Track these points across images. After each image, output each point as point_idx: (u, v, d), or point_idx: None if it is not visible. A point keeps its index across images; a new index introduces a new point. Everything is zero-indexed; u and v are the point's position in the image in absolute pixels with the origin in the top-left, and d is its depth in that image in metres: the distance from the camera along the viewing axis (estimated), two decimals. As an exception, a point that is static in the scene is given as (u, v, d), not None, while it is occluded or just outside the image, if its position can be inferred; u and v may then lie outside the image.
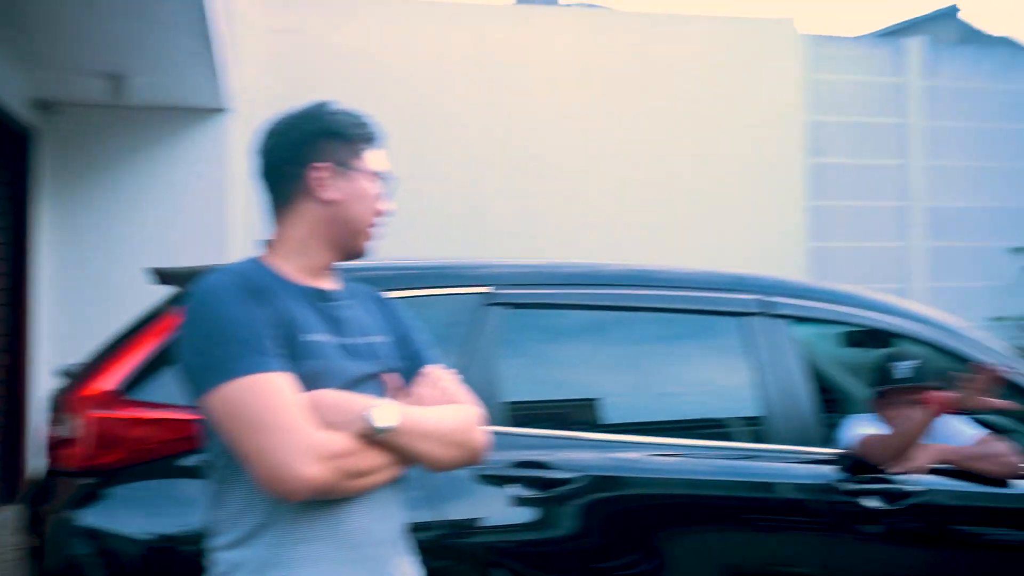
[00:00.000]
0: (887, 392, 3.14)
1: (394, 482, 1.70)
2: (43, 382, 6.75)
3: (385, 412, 1.60)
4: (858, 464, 2.90)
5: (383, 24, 8.16)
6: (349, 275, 1.88)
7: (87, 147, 7.04)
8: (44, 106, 6.93)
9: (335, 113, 1.78)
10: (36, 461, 2.81)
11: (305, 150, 1.74)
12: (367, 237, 1.78)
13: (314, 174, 1.73)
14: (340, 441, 1.56)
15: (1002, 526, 3.01)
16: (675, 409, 3.13)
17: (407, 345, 1.84)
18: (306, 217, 1.74)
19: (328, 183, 1.73)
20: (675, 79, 8.63)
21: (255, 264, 1.72)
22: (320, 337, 1.66)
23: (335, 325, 1.71)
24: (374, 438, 1.60)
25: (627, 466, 2.74)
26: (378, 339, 1.78)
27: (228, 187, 7.33)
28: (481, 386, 2.64)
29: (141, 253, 6.96)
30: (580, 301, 2.93)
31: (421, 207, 7.58)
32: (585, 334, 3.03)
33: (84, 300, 6.93)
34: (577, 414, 3.00)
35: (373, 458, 1.61)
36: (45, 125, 6.95)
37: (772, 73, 8.90)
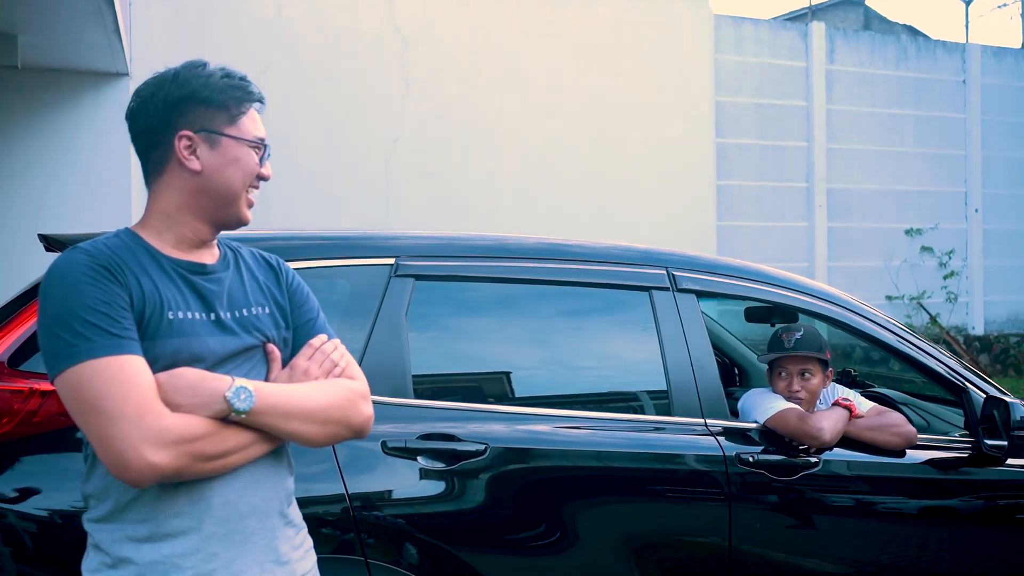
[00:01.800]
0: (779, 361, 3.23)
1: (271, 455, 1.67)
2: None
3: (243, 392, 1.56)
4: (768, 436, 2.96)
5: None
6: (239, 243, 1.82)
7: (-24, 109, 6.74)
8: (-74, 65, 6.60)
9: (205, 75, 1.69)
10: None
11: (171, 116, 1.66)
12: (243, 205, 1.71)
13: (179, 142, 1.66)
14: (191, 424, 1.53)
15: (898, 495, 3.11)
16: (583, 382, 3.15)
17: (296, 315, 1.79)
18: (175, 187, 1.68)
19: (195, 152, 1.66)
20: (587, 55, 8.67)
21: (125, 237, 1.66)
22: (187, 314, 1.62)
23: (208, 299, 1.66)
24: (232, 419, 1.57)
25: (535, 438, 2.74)
26: (259, 310, 1.73)
27: (132, 153, 7.09)
28: (388, 358, 2.62)
29: (35, 220, 6.70)
30: (488, 273, 2.91)
31: (298, 176, 7.46)
32: (493, 307, 3.02)
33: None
34: (485, 387, 2.99)
35: (232, 439, 1.58)
36: (-73, 85, 6.63)
37: (684, 52, 9.00)
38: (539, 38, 8.55)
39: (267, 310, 1.75)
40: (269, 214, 6.12)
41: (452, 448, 2.59)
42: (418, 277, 2.75)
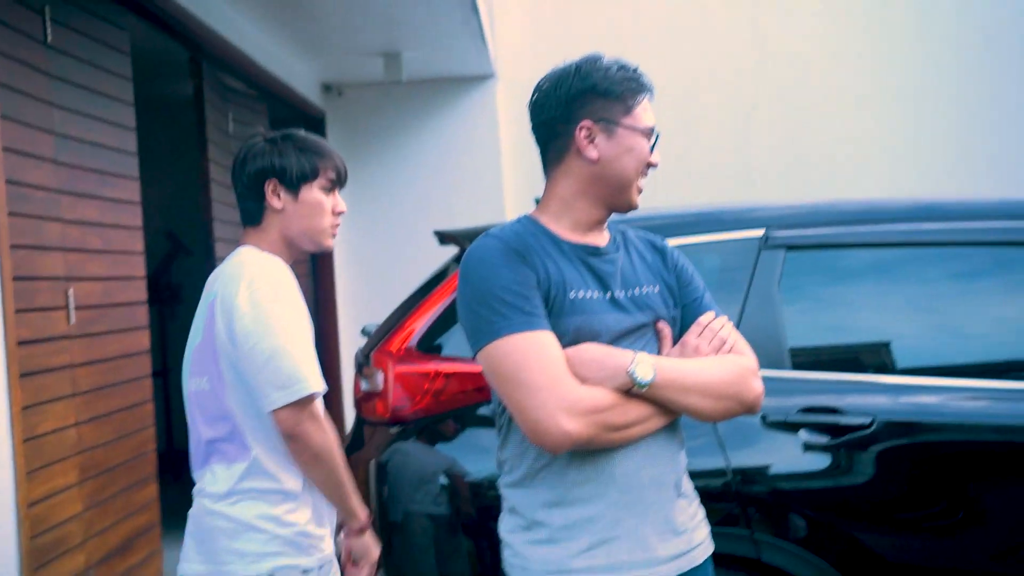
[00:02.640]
0: None
1: (666, 429, 1.73)
2: (349, 344, 7.38)
3: (645, 367, 1.64)
4: None
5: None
6: (627, 225, 1.90)
7: (368, 124, 7.53)
8: (329, 89, 7.49)
9: (603, 68, 1.77)
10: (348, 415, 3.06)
11: (571, 108, 1.75)
12: (635, 192, 1.78)
13: (579, 132, 1.74)
14: (599, 396, 1.63)
15: None
16: (976, 350, 2.89)
17: (683, 294, 1.84)
18: (574, 174, 1.76)
19: (593, 141, 1.74)
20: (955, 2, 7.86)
21: (526, 223, 1.77)
22: (587, 293, 1.71)
23: (604, 279, 1.74)
24: (635, 392, 1.65)
25: (925, 410, 2.59)
26: (650, 289, 1.79)
27: (502, 149, 7.58)
28: (763, 331, 2.59)
29: (425, 218, 7.38)
30: (863, 240, 2.78)
31: (691, 161, 7.45)
32: (870, 273, 2.87)
33: (377, 265, 7.48)
34: (866, 357, 2.85)
35: (634, 411, 1.66)
36: (331, 107, 7.51)
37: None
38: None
39: (657, 289, 1.81)
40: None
41: (835, 422, 2.52)
42: (789, 247, 2.70)
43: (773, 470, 2.53)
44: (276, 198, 2.07)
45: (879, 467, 2.54)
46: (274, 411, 1.94)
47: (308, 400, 1.95)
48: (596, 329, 1.70)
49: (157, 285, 6.64)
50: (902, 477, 2.56)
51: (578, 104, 1.75)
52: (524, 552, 1.71)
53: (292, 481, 2.00)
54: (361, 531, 2.09)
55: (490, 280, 1.67)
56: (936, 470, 2.56)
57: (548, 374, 1.62)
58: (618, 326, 1.72)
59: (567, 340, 1.67)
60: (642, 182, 1.79)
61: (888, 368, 2.80)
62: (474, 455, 2.56)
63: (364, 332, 3.77)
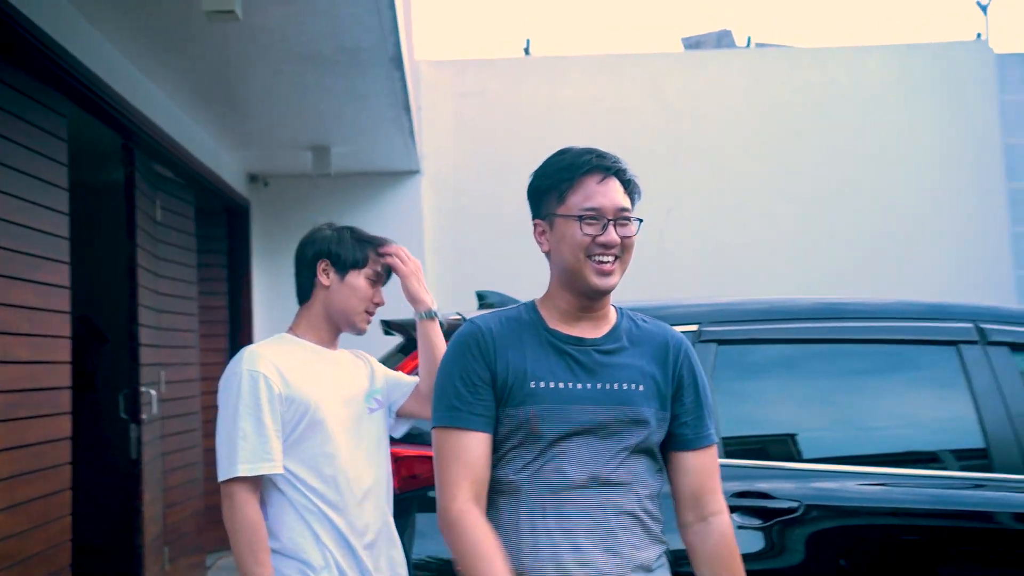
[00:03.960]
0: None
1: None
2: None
3: None
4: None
5: (561, 80, 8.40)
6: (646, 315, 1.91)
7: (294, 215, 7.59)
8: (255, 179, 7.55)
9: (551, 163, 1.83)
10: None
11: (532, 207, 1.87)
12: (590, 275, 1.75)
13: (535, 231, 1.86)
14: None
15: None
16: (893, 441, 3.08)
17: (678, 401, 1.83)
18: (551, 267, 1.86)
19: (545, 235, 1.83)
20: (861, 112, 8.45)
21: (524, 309, 1.86)
22: (551, 383, 1.74)
23: (579, 371, 1.76)
24: None
25: (852, 496, 2.73)
26: (633, 386, 1.77)
27: (425, 243, 7.71)
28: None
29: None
30: (791, 336, 2.96)
31: None
32: (795, 367, 3.04)
33: (297, 357, 7.42)
34: (791, 446, 3.01)
35: None
36: (256, 197, 7.56)
37: (966, 97, 8.56)
38: (809, 96, 8.45)
39: (642, 388, 1.79)
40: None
41: (766, 505, 2.64)
42: (720, 342, 2.86)
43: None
44: (325, 276, 2.35)
45: (807, 548, 2.66)
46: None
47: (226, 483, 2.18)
48: (554, 419, 1.73)
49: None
50: (827, 557, 2.68)
51: (533, 203, 1.87)
52: None
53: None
54: None
55: (446, 368, 1.81)
56: (855, 551, 2.70)
57: (448, 474, 1.75)
58: (583, 417, 1.74)
59: (525, 428, 1.74)
60: (603, 262, 1.75)
61: (808, 458, 2.96)
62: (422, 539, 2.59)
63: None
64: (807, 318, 3.04)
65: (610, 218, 1.77)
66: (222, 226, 7.26)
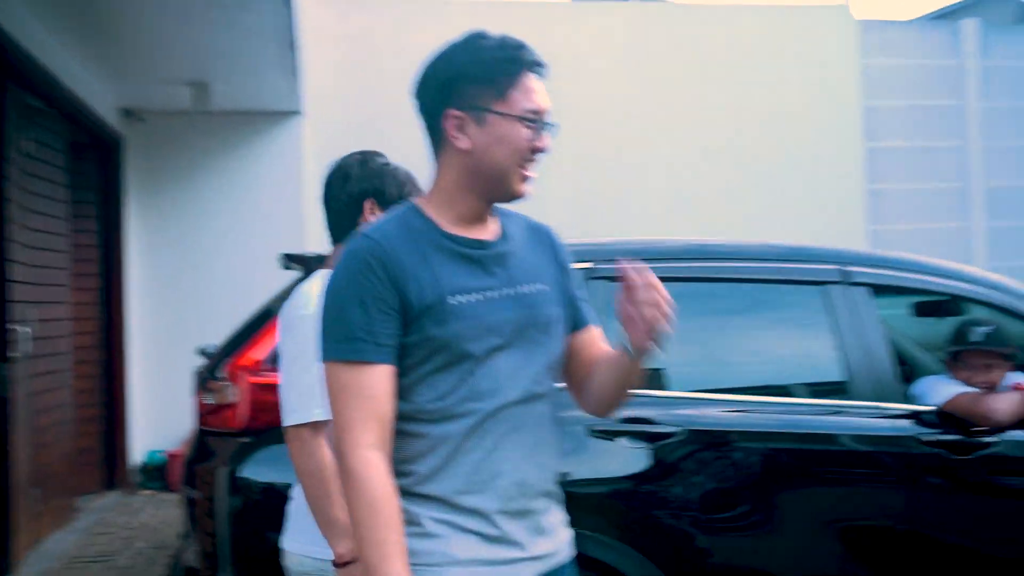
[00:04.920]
0: (962, 354, 3.30)
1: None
2: (137, 375, 7.14)
3: None
4: (945, 418, 3.07)
5: (446, 24, 8.36)
6: (517, 214, 1.80)
7: (171, 152, 7.39)
8: (130, 114, 7.30)
9: (476, 49, 1.63)
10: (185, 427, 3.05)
11: (442, 95, 1.62)
12: (516, 181, 1.63)
13: (448, 123, 1.61)
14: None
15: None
16: (758, 375, 3.32)
17: (570, 297, 1.77)
18: (450, 165, 1.64)
19: (464, 130, 1.61)
20: (731, 69, 8.78)
21: (410, 215, 1.65)
22: (466, 298, 1.59)
23: (486, 276, 1.64)
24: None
25: (725, 422, 2.96)
26: (539, 287, 1.70)
27: (303, 184, 7.63)
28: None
29: (222, 249, 7.33)
30: (672, 274, 3.13)
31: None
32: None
33: (171, 295, 7.29)
34: (665, 379, 3.21)
35: None
36: (131, 133, 7.32)
37: (828, 60, 9.00)
38: (684, 52, 8.74)
39: (548, 286, 1.72)
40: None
41: (649, 430, 2.83)
42: (611, 279, 3.00)
43: (596, 473, 2.81)
44: (372, 215, 2.20)
45: (685, 470, 2.88)
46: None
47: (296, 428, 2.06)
48: (481, 334, 1.60)
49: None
50: (704, 479, 2.91)
51: (447, 92, 1.62)
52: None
53: None
54: (337, 565, 2.00)
55: (340, 291, 1.58)
56: (730, 473, 2.93)
57: (349, 414, 1.55)
58: (506, 328, 1.63)
59: (451, 349, 1.58)
60: (532, 169, 1.65)
61: (686, 389, 3.18)
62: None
63: (203, 352, 3.76)
64: (686, 258, 3.23)
65: (547, 123, 1.65)
66: (94, 161, 7.01)
